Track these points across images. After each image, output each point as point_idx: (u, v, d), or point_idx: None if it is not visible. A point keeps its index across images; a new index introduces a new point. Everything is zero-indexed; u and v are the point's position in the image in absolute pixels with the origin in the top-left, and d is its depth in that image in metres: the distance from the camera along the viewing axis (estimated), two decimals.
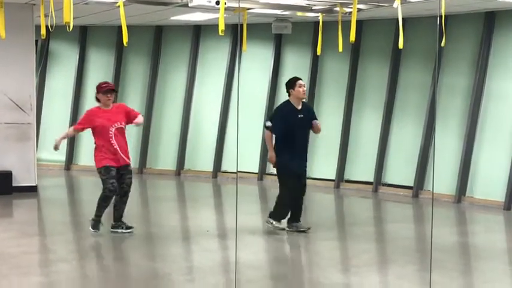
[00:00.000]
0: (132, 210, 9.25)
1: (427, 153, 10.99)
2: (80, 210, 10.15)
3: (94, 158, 7.75)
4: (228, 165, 13.01)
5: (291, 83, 7.90)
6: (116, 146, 7.61)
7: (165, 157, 13.39)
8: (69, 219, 9.25)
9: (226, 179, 12.82)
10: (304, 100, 8.07)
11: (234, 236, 7.56)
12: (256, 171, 12.64)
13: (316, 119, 8.08)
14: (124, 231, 7.81)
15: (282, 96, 12.61)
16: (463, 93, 10.71)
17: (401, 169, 11.34)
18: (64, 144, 13.72)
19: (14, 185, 10.45)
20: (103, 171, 7.62)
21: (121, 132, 7.70)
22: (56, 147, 7.71)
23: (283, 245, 7.77)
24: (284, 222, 8.04)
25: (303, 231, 7.97)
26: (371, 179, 11.55)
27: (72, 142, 13.74)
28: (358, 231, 8.38)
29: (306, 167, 8.07)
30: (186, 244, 7.87)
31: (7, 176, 10.43)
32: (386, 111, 11.46)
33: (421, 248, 7.67)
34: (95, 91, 7.80)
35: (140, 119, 7.93)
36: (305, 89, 7.95)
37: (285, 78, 12.64)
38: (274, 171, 12.50)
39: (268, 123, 7.89)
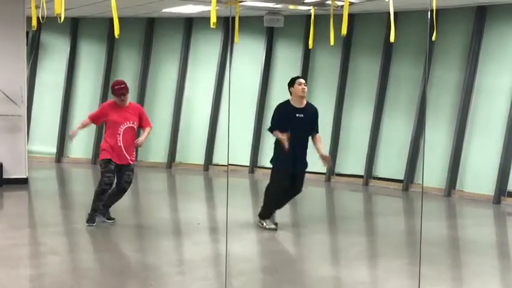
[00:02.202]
0: (123, 203, 9.25)
1: (418, 146, 11.03)
2: (71, 202, 10.13)
3: (99, 148, 7.84)
4: (219, 158, 13.01)
5: (291, 82, 7.81)
6: (121, 144, 7.65)
7: (156, 150, 13.38)
8: (59, 211, 9.23)
9: (217, 172, 12.83)
10: (306, 101, 7.85)
11: (225, 229, 7.58)
12: (248, 164, 12.66)
13: (317, 125, 7.83)
14: (105, 220, 7.89)
15: (274, 89, 12.66)
16: (453, 87, 10.75)
17: (391, 163, 11.39)
18: (55, 136, 13.71)
19: (4, 177, 10.42)
20: (103, 164, 7.69)
21: (131, 131, 7.73)
22: (72, 136, 7.91)
23: (273, 238, 7.78)
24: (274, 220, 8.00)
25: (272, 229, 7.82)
26: (362, 172, 11.59)
27: (62, 134, 13.70)
28: (348, 224, 8.41)
29: (304, 167, 7.79)
30: (177, 237, 7.88)
31: None
32: (377, 105, 11.49)
33: (411, 242, 7.71)
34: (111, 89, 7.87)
35: (148, 130, 7.93)
36: (305, 87, 7.75)
37: (276, 71, 12.70)
38: (266, 164, 12.58)
39: (270, 125, 7.83)
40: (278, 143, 7.71)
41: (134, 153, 7.84)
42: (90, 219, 7.79)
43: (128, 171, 7.73)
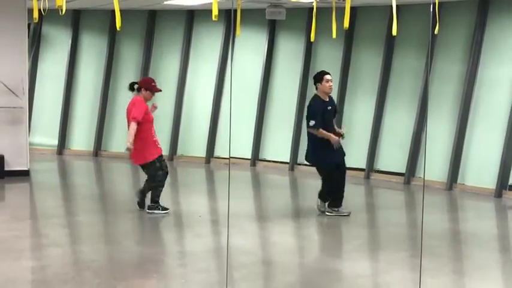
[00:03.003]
0: (124, 196, 9.27)
1: (419, 140, 11.02)
2: (72, 194, 10.15)
3: (136, 151, 7.82)
4: (221, 150, 13.01)
5: (319, 77, 8.02)
6: (156, 138, 8.03)
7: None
8: (61, 203, 9.24)
9: (219, 164, 12.83)
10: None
11: (226, 221, 7.59)
12: (249, 157, 12.66)
13: (336, 112, 8.40)
14: (161, 212, 8.09)
15: (276, 82, 12.64)
16: (455, 80, 10.73)
17: (393, 156, 11.38)
18: (56, 128, 13.71)
19: (6, 169, 10.43)
20: (154, 163, 7.96)
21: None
22: (130, 150, 7.82)
23: (275, 230, 7.80)
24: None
25: (345, 215, 8.20)
26: (363, 165, 11.58)
27: (64, 127, 13.71)
28: (349, 217, 8.41)
29: (344, 154, 8.29)
30: (179, 229, 7.89)
31: None
32: (380, 98, 11.48)
33: (412, 235, 7.72)
34: (142, 84, 7.99)
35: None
36: (332, 84, 8.09)
37: (278, 64, 12.68)
38: (268, 157, 12.59)
39: (312, 123, 7.98)
40: (319, 140, 8.00)
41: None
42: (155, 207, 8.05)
43: (162, 159, 8.12)
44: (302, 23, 12.09)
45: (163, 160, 8.16)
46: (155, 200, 8.11)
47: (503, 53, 10.23)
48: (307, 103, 12.54)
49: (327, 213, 8.26)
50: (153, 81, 8.14)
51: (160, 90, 8.17)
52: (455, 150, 10.50)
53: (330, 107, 8.09)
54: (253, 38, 12.71)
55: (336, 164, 8.16)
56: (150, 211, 8.05)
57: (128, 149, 7.74)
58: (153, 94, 8.00)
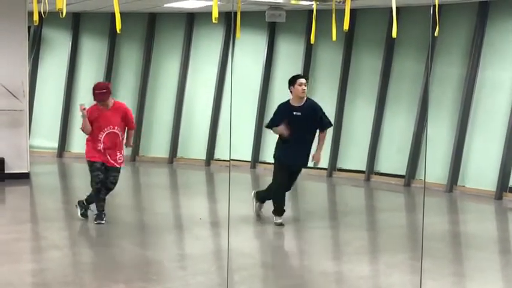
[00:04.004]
0: (124, 198, 9.27)
1: (420, 142, 11.02)
2: (72, 197, 10.13)
3: (86, 147, 7.77)
4: (221, 153, 13.01)
5: (293, 81, 7.84)
6: (101, 148, 7.61)
7: (157, 145, 13.38)
8: (61, 206, 9.24)
9: (219, 167, 12.83)
10: (306, 97, 7.85)
11: (226, 224, 7.58)
12: (249, 159, 12.66)
13: (326, 122, 7.91)
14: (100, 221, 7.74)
15: (276, 84, 12.64)
16: (456, 83, 10.73)
17: (393, 158, 11.38)
18: (56, 131, 13.70)
19: (6, 171, 10.43)
20: (88, 164, 7.70)
21: (113, 135, 7.65)
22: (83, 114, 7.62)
23: (275, 232, 7.79)
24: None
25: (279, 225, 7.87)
26: (363, 167, 11.58)
27: (64, 129, 13.71)
28: (349, 219, 8.41)
29: (302, 164, 7.87)
30: (179, 232, 7.89)
31: None
32: (379, 100, 11.48)
33: (413, 237, 7.71)
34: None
35: (131, 133, 7.90)
36: (305, 88, 7.77)
37: (278, 66, 12.69)
38: (268, 159, 12.58)
39: (269, 122, 7.96)
40: (279, 139, 7.81)
41: (120, 155, 7.70)
42: (99, 218, 7.70)
43: (113, 172, 7.67)
44: (302, 26, 12.09)
45: (114, 176, 7.65)
46: (86, 198, 7.84)
47: (504, 56, 10.23)
48: None
49: (275, 222, 7.86)
50: (98, 88, 7.66)
51: (101, 100, 7.56)
52: (456, 152, 10.50)
53: (300, 113, 7.69)
54: (253, 40, 12.72)
55: (287, 163, 7.76)
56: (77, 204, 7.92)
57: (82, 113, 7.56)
58: (97, 101, 7.63)
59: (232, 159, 12.72)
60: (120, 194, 9.12)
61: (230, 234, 7.06)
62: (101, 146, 7.62)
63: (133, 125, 7.97)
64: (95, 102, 7.75)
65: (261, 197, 8.17)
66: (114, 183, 7.72)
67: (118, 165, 7.70)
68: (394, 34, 7.58)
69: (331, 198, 11.02)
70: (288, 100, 7.88)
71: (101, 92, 7.61)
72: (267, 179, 11.79)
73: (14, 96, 10.53)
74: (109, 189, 7.76)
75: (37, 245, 7.09)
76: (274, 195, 7.93)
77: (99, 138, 7.60)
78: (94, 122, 7.62)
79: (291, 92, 7.82)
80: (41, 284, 5.67)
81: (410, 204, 10.17)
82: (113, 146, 7.64)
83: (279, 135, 7.84)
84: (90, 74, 13.76)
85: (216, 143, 13.04)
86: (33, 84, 13.62)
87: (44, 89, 13.94)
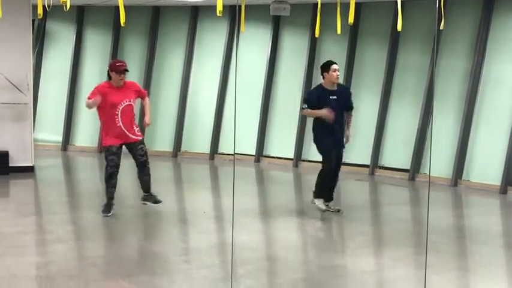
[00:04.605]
0: (129, 192, 9.28)
1: (424, 136, 10.99)
2: (77, 190, 10.16)
3: (101, 136, 7.87)
4: (225, 147, 13.01)
5: (326, 67, 8.04)
6: (120, 124, 7.64)
7: (162, 138, 13.38)
8: (65, 199, 9.25)
9: (223, 161, 12.83)
10: (339, 83, 8.23)
11: (231, 218, 7.58)
12: (254, 153, 12.65)
13: (352, 104, 8.22)
14: (152, 204, 7.97)
15: (280, 78, 12.62)
16: (461, 76, 10.70)
17: (398, 152, 11.36)
18: (61, 125, 13.72)
19: (10, 165, 10.45)
20: (104, 150, 7.77)
21: (129, 109, 7.69)
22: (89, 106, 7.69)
23: (279, 226, 7.79)
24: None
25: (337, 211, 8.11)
26: (368, 161, 11.57)
27: (68, 123, 13.72)
28: (354, 213, 8.40)
29: (342, 147, 8.12)
30: (183, 225, 7.89)
31: (4, 156, 10.43)
32: (384, 94, 11.45)
33: (417, 231, 7.70)
34: (108, 68, 7.78)
35: (147, 102, 8.06)
36: (339, 73, 8.06)
37: (282, 60, 12.66)
38: (273, 153, 12.58)
39: (304, 106, 8.03)
40: (317, 124, 7.96)
41: (137, 128, 7.78)
42: (106, 210, 7.76)
43: (138, 145, 7.75)
44: (306, 19, 12.06)
45: (141, 148, 7.75)
46: (146, 191, 7.98)
47: (509, 49, 10.18)
48: None
49: (312, 202, 8.09)
50: (118, 61, 7.77)
51: (124, 71, 7.61)
52: (460, 146, 10.47)
53: (335, 97, 7.95)
54: (258, 34, 12.69)
55: (331, 147, 7.92)
56: (142, 202, 8.05)
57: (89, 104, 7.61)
58: (118, 74, 7.57)
59: (236, 153, 12.72)
60: (124, 188, 9.13)
61: (234, 228, 7.06)
62: (119, 122, 7.59)
63: (146, 93, 8.09)
64: (105, 80, 7.79)
65: (320, 194, 8.10)
66: (144, 155, 7.78)
67: (139, 137, 7.77)
68: (399, 27, 7.55)
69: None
70: (320, 85, 8.05)
71: (123, 64, 7.69)
72: (271, 173, 11.82)
73: (18, 89, 10.53)
74: (143, 164, 7.80)
75: (41, 238, 7.10)
76: (327, 180, 7.99)
77: (116, 113, 7.58)
78: (107, 99, 7.58)
79: (323, 77, 8.01)
80: (45, 277, 5.68)
81: (415, 199, 10.16)
82: (129, 120, 7.68)
83: (316, 119, 7.94)
84: (94, 67, 13.76)
85: (220, 136, 13.03)
86: (37, 77, 13.63)
87: (48, 83, 13.95)
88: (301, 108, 8.14)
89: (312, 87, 8.32)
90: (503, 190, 9.93)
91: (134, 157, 7.81)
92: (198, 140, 13.19)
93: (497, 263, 6.50)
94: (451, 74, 10.81)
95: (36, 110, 13.42)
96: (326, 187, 8.05)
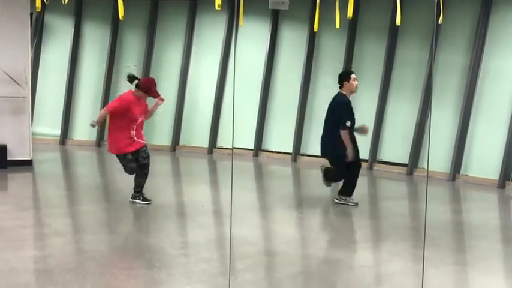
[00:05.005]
0: (127, 185, 9.28)
1: (423, 130, 11.00)
2: (75, 184, 10.15)
3: (111, 140, 7.94)
4: (223, 141, 13.01)
5: (346, 76, 8.20)
6: (133, 135, 7.88)
7: (160, 132, 13.37)
8: (63, 193, 9.25)
9: (221, 155, 12.82)
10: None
11: (229, 212, 7.59)
12: (252, 147, 12.65)
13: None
14: (141, 202, 8.07)
15: (279, 72, 12.61)
16: (459, 71, 10.69)
17: (396, 146, 11.37)
18: (59, 118, 13.71)
19: (8, 158, 10.44)
20: (121, 156, 7.94)
21: (141, 123, 8.05)
22: (93, 126, 7.99)
23: (277, 220, 7.80)
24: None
25: (352, 205, 8.33)
26: (366, 156, 11.57)
27: (67, 116, 13.71)
28: (352, 208, 8.40)
29: (358, 151, 8.37)
30: (181, 219, 7.90)
31: (2, 149, 10.42)
32: (383, 89, 11.45)
33: (415, 225, 7.71)
34: (142, 83, 7.91)
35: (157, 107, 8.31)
36: (357, 82, 8.24)
37: (281, 54, 12.65)
38: (271, 148, 12.58)
39: (348, 123, 8.07)
40: (338, 138, 8.09)
41: (142, 133, 8.10)
42: (144, 199, 8.08)
43: (142, 149, 8.00)
44: (305, 13, 12.05)
45: (144, 151, 8.02)
46: (137, 190, 8.16)
47: (508, 44, 10.19)
48: (310, 94, 12.61)
49: (335, 200, 8.37)
50: (154, 84, 8.03)
51: (159, 96, 8.02)
52: (459, 141, 10.48)
53: (352, 105, 8.26)
54: (257, 28, 12.68)
55: (356, 159, 8.29)
56: (132, 200, 8.14)
57: (91, 124, 7.93)
58: (149, 96, 7.96)
59: (235, 147, 12.72)
60: (123, 182, 9.13)
61: (233, 222, 7.07)
62: (134, 135, 7.87)
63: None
64: (129, 90, 7.97)
65: (348, 192, 8.41)
66: (146, 157, 8.03)
67: (144, 142, 8.07)
68: (398, 21, 7.57)
69: (334, 186, 11.01)
70: (345, 95, 8.15)
71: (157, 93, 7.99)
72: (269, 167, 11.82)
73: (17, 83, 10.51)
74: (144, 167, 8.03)
75: (40, 231, 7.10)
76: (352, 178, 8.32)
77: (133, 126, 7.85)
78: (129, 110, 7.80)
79: (342, 85, 8.14)
80: (44, 271, 5.68)
81: (413, 193, 10.17)
82: (140, 132, 8.03)
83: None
84: (92, 61, 13.75)
85: (218, 130, 13.03)
86: (35, 71, 13.61)
87: (47, 76, 13.93)
88: (344, 127, 8.01)
89: (338, 98, 8.15)
90: (501, 185, 9.95)
91: (137, 159, 8.00)
92: (197, 134, 13.19)
93: (495, 258, 6.51)
94: (450, 69, 10.81)
95: (34, 103, 13.40)
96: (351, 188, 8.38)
